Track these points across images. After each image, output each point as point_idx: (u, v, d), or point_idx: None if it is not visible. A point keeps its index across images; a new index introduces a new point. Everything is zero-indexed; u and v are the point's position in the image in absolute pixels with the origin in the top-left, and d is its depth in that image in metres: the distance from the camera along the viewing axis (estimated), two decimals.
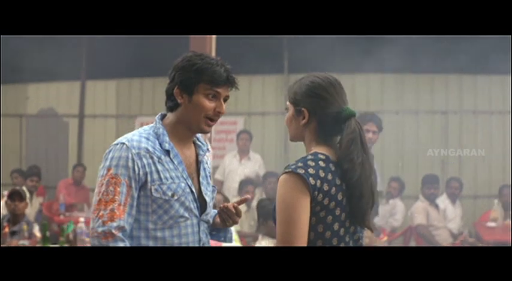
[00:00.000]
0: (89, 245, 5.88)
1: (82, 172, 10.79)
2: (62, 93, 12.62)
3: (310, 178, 2.76)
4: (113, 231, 2.98)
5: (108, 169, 3.04)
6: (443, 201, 9.39)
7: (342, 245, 2.84)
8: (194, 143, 3.28)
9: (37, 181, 10.08)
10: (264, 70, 10.87)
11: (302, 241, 2.75)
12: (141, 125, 10.86)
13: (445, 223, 9.11)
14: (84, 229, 6.46)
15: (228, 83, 3.12)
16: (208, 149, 3.35)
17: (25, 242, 6.57)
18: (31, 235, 6.87)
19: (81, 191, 10.74)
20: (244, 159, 10.13)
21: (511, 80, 10.09)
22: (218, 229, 3.43)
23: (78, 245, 6.16)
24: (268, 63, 10.49)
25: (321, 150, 2.89)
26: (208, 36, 7.12)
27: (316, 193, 2.77)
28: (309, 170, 2.78)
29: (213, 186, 3.33)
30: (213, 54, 7.31)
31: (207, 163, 3.31)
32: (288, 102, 3.02)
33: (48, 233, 6.62)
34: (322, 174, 2.79)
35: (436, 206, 9.21)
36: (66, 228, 6.56)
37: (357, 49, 9.43)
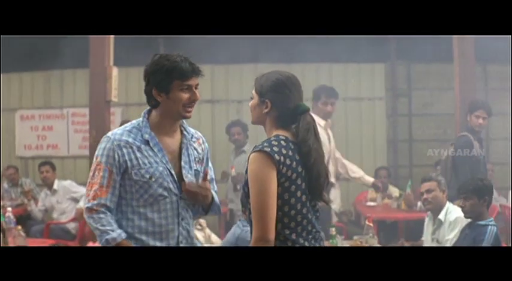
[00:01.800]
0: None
1: None
2: None
3: (276, 155, 3.33)
4: (94, 207, 3.64)
5: (96, 158, 3.72)
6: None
7: (304, 210, 3.40)
8: (182, 132, 3.84)
9: None
10: (143, 63, 11.03)
11: (273, 207, 3.30)
12: (21, 118, 10.86)
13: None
14: (12, 218, 6.89)
15: (195, 74, 3.71)
16: (193, 137, 3.90)
17: None
18: None
19: None
20: None
21: (510, 79, 10.80)
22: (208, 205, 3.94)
23: (8, 234, 6.23)
24: (146, 58, 10.65)
25: (281, 133, 3.47)
26: (107, 36, 7.37)
27: (281, 166, 3.33)
28: (273, 148, 3.35)
29: (196, 170, 3.85)
30: (111, 53, 7.55)
31: (195, 149, 3.88)
32: (253, 92, 3.56)
33: None
34: (284, 151, 3.36)
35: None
36: None
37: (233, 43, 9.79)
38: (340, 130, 11.67)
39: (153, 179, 3.67)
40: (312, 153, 3.41)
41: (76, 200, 9.21)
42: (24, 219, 9.15)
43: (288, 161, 3.34)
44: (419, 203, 9.13)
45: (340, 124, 11.74)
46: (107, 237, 3.61)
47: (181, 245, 3.75)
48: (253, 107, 3.56)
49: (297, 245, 3.35)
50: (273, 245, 3.30)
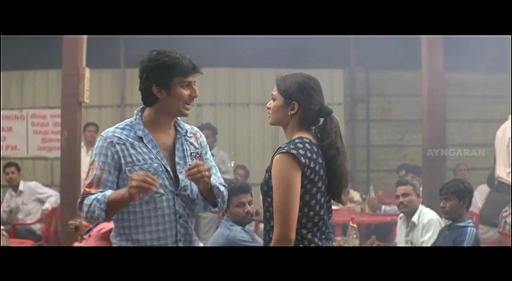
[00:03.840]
0: None
1: None
2: None
3: (301, 157, 3.38)
4: (80, 200, 3.59)
5: (91, 157, 3.69)
6: None
7: (322, 211, 3.48)
8: (176, 128, 3.79)
9: None
10: (102, 65, 11.01)
11: (296, 208, 3.37)
12: None
13: None
14: None
15: (195, 71, 3.67)
16: (188, 132, 3.83)
17: None
18: None
19: None
20: (91, 150, 10.20)
21: (510, 80, 10.95)
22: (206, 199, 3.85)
23: None
24: (105, 59, 10.62)
25: (304, 135, 3.53)
26: (80, 36, 7.39)
27: (306, 169, 3.39)
28: (299, 151, 3.40)
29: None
30: (84, 54, 7.56)
31: (191, 144, 3.81)
32: (275, 93, 3.61)
33: None
34: (309, 154, 3.41)
35: None
36: None
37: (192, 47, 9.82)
38: None
39: None
40: (339, 156, 3.50)
41: (41, 202, 9.18)
42: None
43: (312, 164, 3.40)
44: (383, 207, 9.37)
45: None
46: (94, 202, 3.52)
47: (180, 243, 3.68)
48: (277, 108, 3.58)
49: (313, 245, 3.44)
50: (293, 244, 3.38)
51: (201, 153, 3.86)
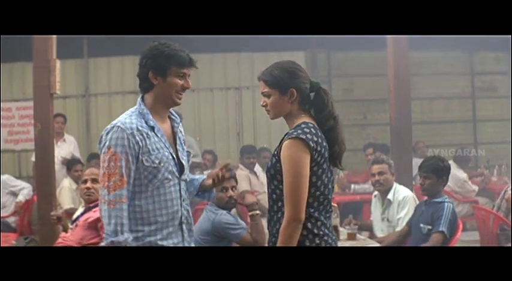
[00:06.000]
0: None
1: None
2: None
3: (310, 142, 3.52)
4: (118, 199, 3.67)
5: (109, 148, 3.72)
6: (257, 169, 10.18)
7: (326, 191, 3.62)
8: (169, 117, 4.01)
9: None
10: (65, 55, 11.02)
11: (305, 190, 3.52)
12: None
13: (264, 189, 9.90)
14: None
15: (191, 65, 3.88)
16: (181, 120, 4.09)
17: None
18: None
19: None
20: (59, 141, 10.22)
21: (510, 80, 11.12)
22: (204, 191, 4.20)
23: None
24: (68, 49, 10.61)
25: (307, 120, 3.65)
26: (50, 40, 7.44)
27: (314, 152, 3.53)
28: (307, 135, 3.53)
29: (187, 151, 4.08)
30: (54, 46, 7.59)
31: (181, 132, 4.06)
32: (266, 89, 3.73)
33: None
34: (315, 138, 3.55)
35: (255, 174, 9.99)
36: None
37: None
38: (262, 118, 12.03)
39: (162, 164, 3.78)
40: (338, 124, 3.65)
41: (14, 194, 9.16)
42: None
43: (319, 148, 3.53)
44: (352, 185, 9.57)
45: (263, 112, 12.04)
46: (113, 239, 3.64)
47: (183, 225, 3.89)
48: (276, 102, 3.69)
49: (319, 223, 3.60)
50: (302, 224, 3.53)
51: (184, 140, 4.12)
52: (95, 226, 5.53)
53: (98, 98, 11.97)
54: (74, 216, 5.92)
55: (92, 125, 12.00)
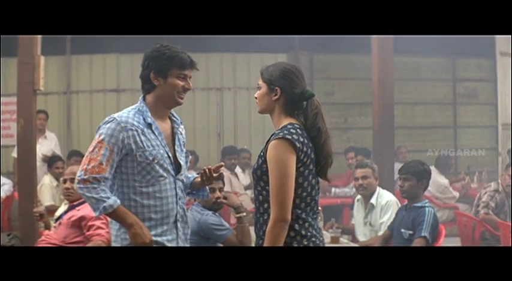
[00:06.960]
0: None
1: None
2: None
3: (296, 142, 3.55)
4: (90, 179, 3.78)
5: (99, 135, 3.85)
6: (237, 170, 10.21)
7: (313, 192, 3.66)
8: (170, 118, 4.10)
9: None
10: (47, 52, 10.99)
11: (291, 191, 3.54)
12: None
13: (243, 190, 9.94)
14: None
15: (192, 66, 3.99)
16: (181, 123, 4.18)
17: None
18: None
19: None
20: (41, 138, 10.17)
21: (510, 81, 11.14)
22: (197, 189, 4.30)
23: None
24: (51, 46, 10.57)
25: (293, 121, 3.69)
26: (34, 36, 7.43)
27: (300, 153, 3.56)
28: (293, 136, 3.56)
29: (186, 152, 4.15)
30: (39, 50, 7.58)
31: (181, 134, 4.14)
32: (260, 82, 3.79)
33: None
34: (301, 139, 3.58)
35: (236, 175, 10.00)
36: None
37: None
38: (243, 119, 12.08)
39: (156, 161, 3.87)
40: (322, 135, 3.66)
41: None
42: None
43: (305, 148, 3.57)
44: (333, 189, 9.59)
45: (244, 113, 12.14)
46: (104, 204, 3.75)
47: (178, 223, 3.96)
48: (262, 96, 3.76)
49: (306, 224, 3.63)
50: (288, 225, 3.55)
51: (184, 143, 4.19)
52: (78, 224, 5.51)
53: (80, 95, 11.95)
54: (57, 214, 5.92)
55: (73, 122, 11.96)
